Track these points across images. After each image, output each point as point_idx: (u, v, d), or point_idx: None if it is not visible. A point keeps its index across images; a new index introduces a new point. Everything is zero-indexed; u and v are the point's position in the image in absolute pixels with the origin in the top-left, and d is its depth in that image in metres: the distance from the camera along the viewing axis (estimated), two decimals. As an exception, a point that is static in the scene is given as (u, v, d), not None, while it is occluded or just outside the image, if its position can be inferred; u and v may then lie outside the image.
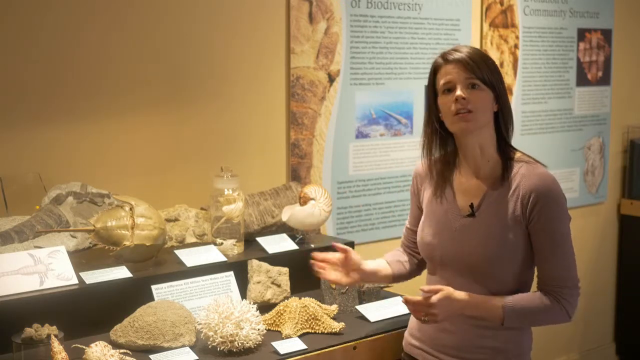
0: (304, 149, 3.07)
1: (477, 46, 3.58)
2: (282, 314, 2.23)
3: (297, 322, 2.19)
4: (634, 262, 4.48)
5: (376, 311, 2.35)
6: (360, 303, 2.41)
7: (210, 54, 2.81)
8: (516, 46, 3.83)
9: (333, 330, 2.20)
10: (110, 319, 2.10)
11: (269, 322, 2.23)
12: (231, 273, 2.37)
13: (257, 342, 2.07)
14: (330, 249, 2.64)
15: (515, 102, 3.81)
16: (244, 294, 2.36)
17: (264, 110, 2.97)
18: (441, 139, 2.05)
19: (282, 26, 2.99)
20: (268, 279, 2.39)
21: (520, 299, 1.95)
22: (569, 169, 4.17)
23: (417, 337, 2.10)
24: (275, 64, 2.98)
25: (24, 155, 2.46)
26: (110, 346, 1.94)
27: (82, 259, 2.31)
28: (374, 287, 2.47)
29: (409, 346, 2.13)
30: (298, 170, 3.06)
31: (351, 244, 2.74)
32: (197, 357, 2.00)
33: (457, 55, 1.96)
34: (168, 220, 2.54)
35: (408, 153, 3.39)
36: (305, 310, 2.22)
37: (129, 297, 2.16)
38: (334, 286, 2.40)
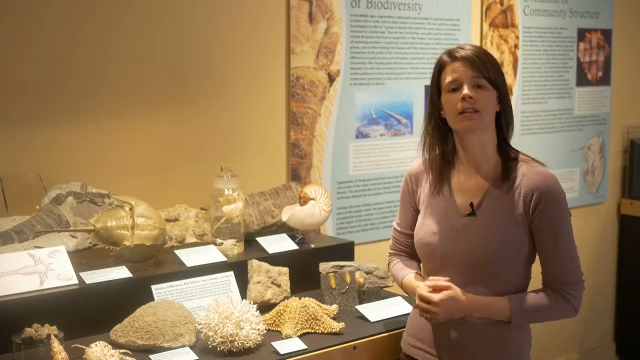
0: (304, 149, 3.07)
1: (477, 46, 3.58)
2: (282, 314, 2.23)
3: (297, 322, 2.19)
4: (634, 262, 4.48)
5: (376, 311, 2.35)
6: (360, 303, 2.41)
7: (210, 54, 2.81)
8: (516, 46, 3.83)
9: (333, 330, 2.20)
10: (110, 319, 2.10)
11: (269, 322, 2.23)
12: (231, 273, 2.37)
13: (257, 342, 2.07)
14: (331, 248, 2.65)
15: (515, 102, 3.81)
16: (244, 294, 2.36)
17: (264, 110, 2.97)
18: (441, 136, 2.05)
19: (282, 26, 2.99)
20: (268, 279, 2.39)
21: (526, 297, 1.96)
22: (569, 169, 4.17)
23: (417, 337, 2.10)
24: (275, 64, 2.98)
25: (24, 155, 2.46)
26: (110, 346, 1.94)
27: (82, 259, 2.31)
28: (374, 287, 2.47)
29: (408, 346, 2.13)
30: (298, 170, 3.06)
31: (351, 244, 2.75)
32: (197, 357, 1.99)
33: (464, 53, 1.95)
34: (168, 220, 2.54)
35: (408, 153, 3.39)
36: (305, 310, 2.22)
37: (129, 297, 2.15)
38: (334, 286, 2.41)
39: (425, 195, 2.10)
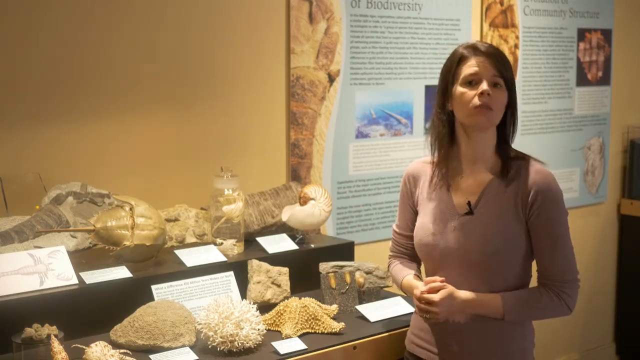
0: (304, 149, 3.07)
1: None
2: (282, 314, 2.23)
3: (297, 322, 2.19)
4: (634, 262, 4.48)
5: (376, 311, 2.35)
6: (360, 303, 2.41)
7: (210, 54, 2.81)
8: (516, 46, 3.83)
9: (333, 330, 2.20)
10: (110, 319, 2.10)
11: (269, 322, 2.23)
12: (231, 273, 2.37)
13: (257, 342, 2.07)
14: (331, 248, 2.65)
15: (515, 102, 3.81)
16: (244, 294, 2.36)
17: (264, 110, 2.97)
18: (449, 129, 2.03)
19: (282, 26, 2.99)
20: (268, 279, 2.39)
21: (521, 294, 1.96)
22: (569, 169, 4.17)
23: (420, 336, 2.10)
24: (275, 64, 2.98)
25: (24, 155, 2.46)
26: (110, 346, 1.94)
27: (82, 259, 2.31)
28: (374, 287, 2.47)
29: (412, 345, 2.13)
30: (298, 170, 3.06)
31: (351, 244, 2.75)
32: (197, 357, 2.00)
33: (486, 49, 1.95)
34: (168, 220, 2.54)
35: (408, 153, 3.39)
36: (305, 310, 2.22)
37: (129, 297, 2.16)
38: (334, 286, 2.41)
39: (423, 196, 2.10)
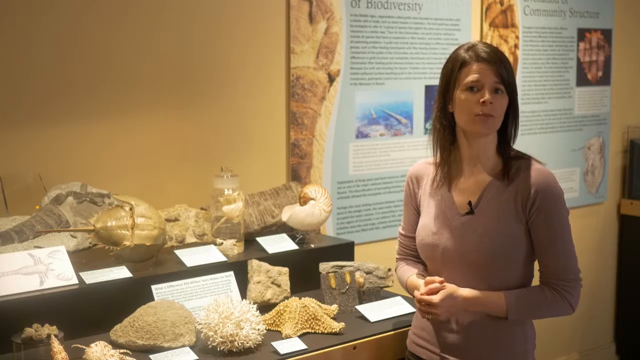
0: (304, 149, 3.07)
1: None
2: (282, 314, 2.23)
3: (297, 322, 2.19)
4: (634, 262, 4.48)
5: (376, 311, 2.35)
6: (360, 303, 2.41)
7: (210, 54, 2.81)
8: (516, 46, 3.83)
9: (333, 330, 2.20)
10: (110, 319, 2.10)
11: (269, 322, 2.23)
12: (231, 273, 2.37)
13: (257, 342, 2.07)
14: (331, 248, 2.65)
15: (515, 102, 3.81)
16: (244, 294, 2.36)
17: (264, 110, 2.97)
18: (449, 129, 2.03)
19: (282, 26, 2.99)
20: (268, 279, 2.39)
21: (524, 292, 1.97)
22: (569, 169, 4.17)
23: (421, 335, 2.10)
24: (275, 64, 2.98)
25: (24, 155, 2.46)
26: (110, 346, 1.94)
27: (82, 259, 2.31)
28: (374, 287, 2.47)
29: (413, 345, 2.13)
30: (298, 170, 3.06)
31: (351, 244, 2.75)
32: (197, 357, 1.99)
33: (487, 55, 1.94)
34: (168, 220, 2.54)
35: (408, 153, 3.39)
36: (305, 310, 2.22)
37: (129, 297, 2.16)
38: (334, 286, 2.41)
39: (425, 196, 2.10)
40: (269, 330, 2.19)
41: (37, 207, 2.40)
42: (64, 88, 2.52)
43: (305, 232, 2.66)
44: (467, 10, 3.58)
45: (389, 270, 2.50)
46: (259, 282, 2.37)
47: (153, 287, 2.21)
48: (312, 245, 2.64)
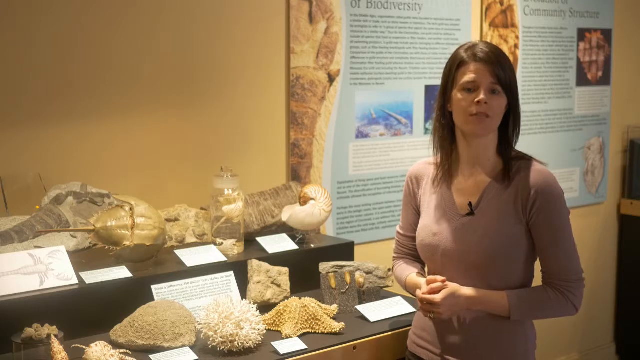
0: (304, 149, 3.07)
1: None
2: (282, 314, 2.23)
3: (297, 322, 2.19)
4: (634, 262, 4.48)
5: (376, 311, 2.35)
6: (360, 303, 2.41)
7: (210, 54, 2.81)
8: (516, 46, 3.83)
9: (333, 330, 2.20)
10: (110, 319, 2.10)
11: (269, 322, 2.23)
12: (231, 273, 2.36)
13: (257, 342, 2.07)
14: (331, 248, 2.65)
15: (515, 102, 3.81)
16: (244, 294, 2.36)
17: (264, 110, 2.97)
18: (449, 129, 2.03)
19: (282, 26, 2.99)
20: (268, 279, 2.39)
21: (526, 292, 1.97)
22: (569, 169, 4.17)
23: (422, 336, 2.10)
24: (275, 64, 2.98)
25: (24, 155, 2.46)
26: (110, 346, 1.94)
27: (82, 259, 2.31)
28: (374, 287, 2.47)
29: (413, 345, 2.13)
30: (298, 170, 3.06)
31: (351, 244, 2.75)
32: (197, 357, 1.99)
33: (485, 55, 1.94)
34: (168, 220, 2.54)
35: (408, 153, 3.39)
36: (305, 310, 2.22)
37: (129, 297, 2.16)
38: (334, 286, 2.40)
39: (426, 197, 2.10)
40: (269, 330, 2.19)
41: (37, 207, 2.40)
42: (64, 88, 2.52)
43: (305, 232, 2.66)
44: (467, 10, 3.58)
45: (389, 270, 2.50)
46: (259, 282, 2.37)
47: (153, 287, 2.21)
48: (312, 245, 2.64)
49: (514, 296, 1.95)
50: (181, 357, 1.99)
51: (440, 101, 2.03)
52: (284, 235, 2.62)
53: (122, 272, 2.21)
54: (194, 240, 2.57)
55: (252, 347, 2.06)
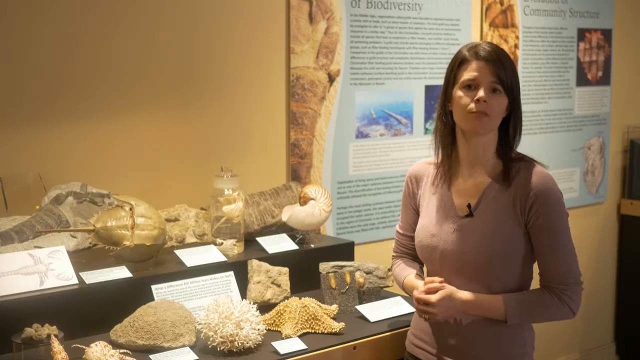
0: (304, 149, 3.07)
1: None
2: (282, 314, 2.23)
3: (297, 322, 2.19)
4: (634, 262, 4.48)
5: (376, 311, 2.35)
6: (360, 303, 2.41)
7: (210, 54, 2.81)
8: (516, 46, 3.83)
9: (333, 330, 2.20)
10: (110, 319, 2.10)
11: (269, 322, 2.23)
12: (231, 273, 2.37)
13: (257, 342, 2.07)
14: (331, 248, 2.65)
15: (515, 102, 3.81)
16: (244, 294, 2.36)
17: (264, 110, 2.97)
18: (449, 128, 2.03)
19: (282, 26, 2.99)
20: (268, 279, 2.39)
21: (523, 296, 1.96)
22: (569, 169, 4.17)
23: (420, 337, 2.10)
24: (275, 64, 2.98)
25: (24, 155, 2.46)
26: (110, 346, 1.94)
27: (82, 259, 2.31)
28: (374, 287, 2.47)
29: (411, 346, 2.13)
30: (298, 170, 3.06)
31: (351, 244, 2.75)
32: (197, 357, 2.00)
33: (487, 54, 1.94)
34: (168, 220, 2.54)
35: (408, 153, 3.39)
36: (305, 310, 2.22)
37: (129, 297, 2.16)
38: (334, 286, 2.40)
39: (425, 197, 2.10)
40: (269, 330, 2.19)
41: (37, 207, 2.40)
42: (64, 88, 2.52)
43: (305, 232, 2.66)
44: (467, 10, 3.58)
45: (389, 270, 2.50)
46: (259, 282, 2.37)
47: (153, 287, 2.21)
48: (312, 245, 2.64)
49: (511, 301, 1.94)
50: (181, 357, 1.99)
51: (442, 100, 2.03)
52: (284, 235, 2.62)
53: (122, 272, 2.21)
54: (194, 240, 2.57)
55: (252, 347, 2.06)
